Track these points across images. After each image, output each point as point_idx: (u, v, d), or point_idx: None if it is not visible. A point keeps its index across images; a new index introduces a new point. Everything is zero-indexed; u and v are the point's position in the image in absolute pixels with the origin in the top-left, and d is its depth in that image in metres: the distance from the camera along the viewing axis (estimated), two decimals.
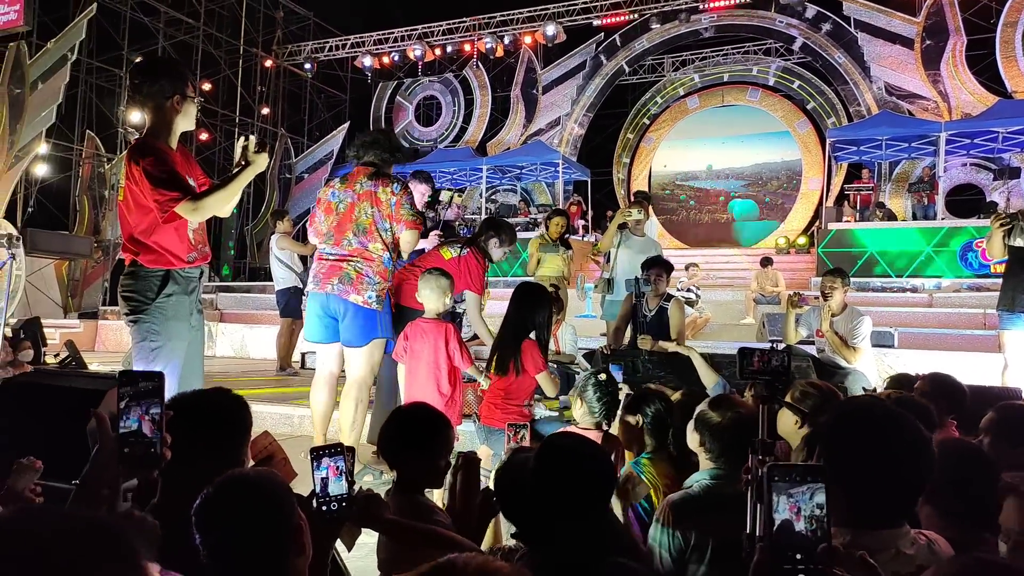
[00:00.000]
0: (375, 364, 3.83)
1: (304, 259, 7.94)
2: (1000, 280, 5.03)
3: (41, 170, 13.32)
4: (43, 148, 12.52)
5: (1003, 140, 12.58)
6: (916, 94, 13.97)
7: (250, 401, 1.75)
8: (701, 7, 14.96)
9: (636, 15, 15.72)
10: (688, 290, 9.80)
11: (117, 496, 1.29)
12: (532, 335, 3.49)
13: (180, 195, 2.58)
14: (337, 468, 1.57)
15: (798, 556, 0.92)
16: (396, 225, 3.81)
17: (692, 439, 2.36)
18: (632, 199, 8.26)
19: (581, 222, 16.04)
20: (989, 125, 12.37)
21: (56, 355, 8.19)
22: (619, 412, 2.86)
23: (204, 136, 16.02)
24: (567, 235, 6.59)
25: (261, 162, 2.72)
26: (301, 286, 7.86)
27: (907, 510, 1.40)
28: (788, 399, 2.48)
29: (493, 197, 17.76)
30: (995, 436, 2.18)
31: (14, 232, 6.61)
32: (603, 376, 2.97)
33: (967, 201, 14.03)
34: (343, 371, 3.92)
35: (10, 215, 12.29)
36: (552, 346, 5.18)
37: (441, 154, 17.20)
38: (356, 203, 3.82)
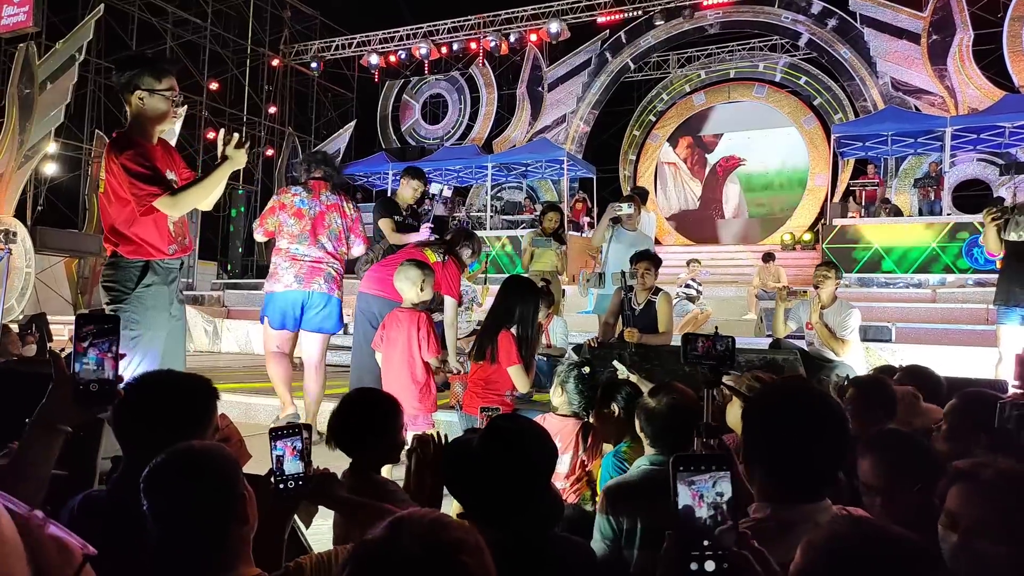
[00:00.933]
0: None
1: None
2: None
3: (50, 169, 13.50)
4: (52, 147, 12.70)
5: (1010, 135, 12.48)
6: (923, 89, 13.88)
7: (254, 395, 1.78)
8: (703, 3, 14.92)
9: (640, 12, 15.70)
10: (687, 285, 9.81)
11: (70, 434, 1.36)
12: (515, 328, 3.52)
13: (158, 190, 2.63)
14: (294, 448, 1.62)
15: (705, 543, 0.95)
16: (354, 237, 4.57)
17: (636, 424, 2.40)
18: (640, 194, 8.27)
19: (586, 219, 16.06)
20: (996, 120, 12.27)
21: (61, 350, 8.31)
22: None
23: (212, 135, 16.16)
24: (561, 230, 6.62)
25: (239, 158, 2.76)
26: None
27: (824, 485, 1.43)
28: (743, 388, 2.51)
29: (499, 195, 17.80)
30: (952, 422, 2.20)
31: (11, 228, 6.71)
32: (586, 369, 3.01)
33: (973, 196, 13.94)
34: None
35: (20, 213, 12.47)
36: (543, 339, 5.23)
37: (447, 152, 17.26)
38: (326, 212, 4.42)
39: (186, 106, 13.41)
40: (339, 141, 17.88)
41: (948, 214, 12.40)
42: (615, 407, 2.60)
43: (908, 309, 9.54)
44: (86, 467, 2.41)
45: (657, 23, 15.60)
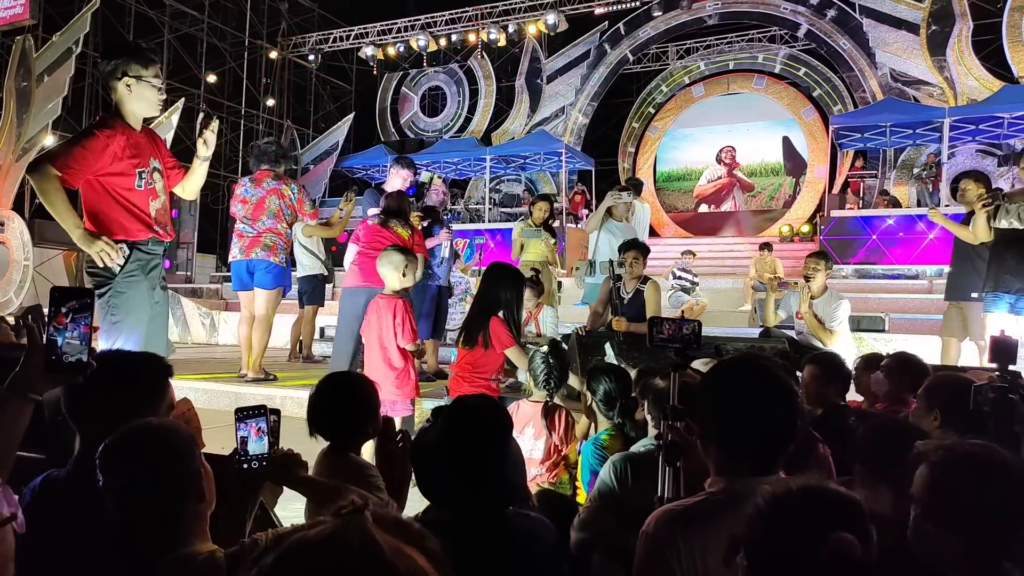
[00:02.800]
0: (273, 304, 5.66)
1: (328, 246, 8.06)
2: None
3: None
4: (50, 140, 12.69)
5: (1008, 126, 12.44)
6: (921, 80, 13.84)
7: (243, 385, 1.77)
8: None
9: (638, 2, 15.66)
10: (679, 277, 9.81)
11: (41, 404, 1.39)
12: (502, 313, 3.55)
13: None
14: (259, 428, 1.64)
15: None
16: (302, 216, 5.82)
17: (642, 408, 2.43)
18: (634, 185, 8.26)
19: (585, 211, 16.05)
20: (994, 111, 12.22)
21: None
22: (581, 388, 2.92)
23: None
24: (552, 221, 6.63)
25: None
26: (327, 273, 7.99)
27: (776, 458, 1.44)
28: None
29: (497, 187, 17.80)
30: (920, 402, 2.22)
31: (2, 219, 6.75)
32: (545, 348, 3.03)
33: None
34: None
35: (18, 206, 12.49)
36: (533, 328, 5.25)
37: (446, 144, 17.25)
38: (266, 196, 5.56)
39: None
40: (337, 134, 17.87)
41: (946, 205, 12.38)
42: (589, 396, 2.61)
43: (904, 300, 9.54)
44: (63, 450, 2.44)
45: (655, 14, 15.56)
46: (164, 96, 2.84)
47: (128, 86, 2.77)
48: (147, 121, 2.93)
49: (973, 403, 2.06)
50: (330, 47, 18.40)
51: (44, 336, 1.35)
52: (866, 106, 13.89)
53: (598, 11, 15.86)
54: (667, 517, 1.40)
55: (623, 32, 16.46)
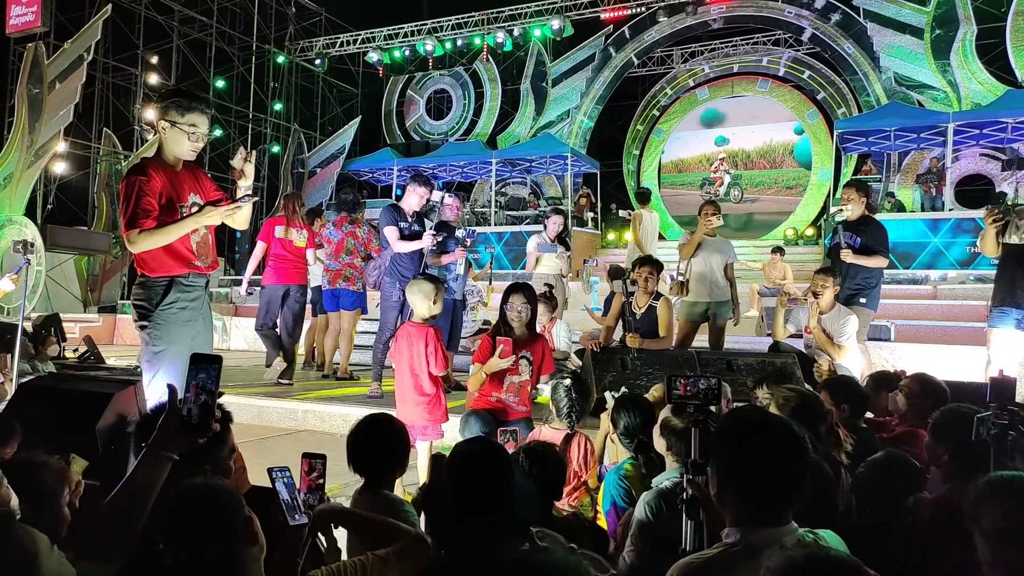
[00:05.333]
0: (353, 321, 7.09)
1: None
2: None
3: (60, 168, 13.66)
4: (61, 146, 12.84)
5: (1012, 130, 12.52)
6: (925, 84, 13.91)
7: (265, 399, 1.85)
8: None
9: (643, 8, 15.74)
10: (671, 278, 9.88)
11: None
12: None
13: (128, 224, 2.78)
14: (288, 487, 1.76)
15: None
16: (371, 251, 6.89)
17: (659, 444, 2.51)
18: (641, 195, 8.35)
19: (590, 214, 16.17)
20: (998, 115, 12.30)
21: (75, 349, 8.47)
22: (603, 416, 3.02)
23: (218, 132, 16.28)
24: (565, 234, 6.74)
25: (214, 218, 2.89)
26: None
27: (787, 509, 1.55)
28: (773, 406, 2.62)
29: (503, 190, 17.90)
30: (930, 438, 2.33)
31: (29, 239, 6.89)
32: (567, 381, 3.13)
33: (976, 192, 13.99)
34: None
35: (30, 212, 12.63)
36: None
37: (451, 147, 17.36)
38: (344, 238, 6.99)
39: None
40: (344, 137, 17.99)
41: (950, 209, 12.47)
42: (613, 425, 2.70)
43: (908, 306, 9.58)
44: (118, 478, 2.57)
45: (660, 19, 15.63)
46: (201, 143, 2.94)
47: (164, 129, 2.89)
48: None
49: (975, 433, 2.17)
50: (337, 51, 18.51)
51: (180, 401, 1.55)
52: (871, 110, 13.97)
53: (603, 16, 15.91)
54: (686, 570, 1.51)
55: (628, 36, 16.55)
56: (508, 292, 3.72)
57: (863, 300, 5.48)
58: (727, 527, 1.57)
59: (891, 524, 2.41)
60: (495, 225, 15.51)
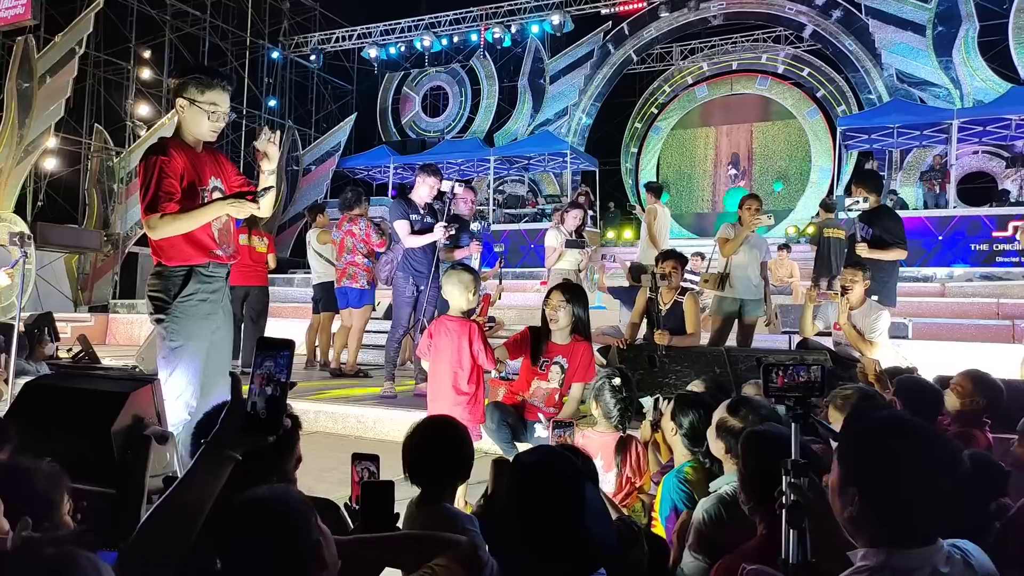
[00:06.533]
0: (362, 317, 6.98)
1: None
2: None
3: (50, 164, 13.35)
4: (52, 142, 12.54)
5: (1016, 127, 12.47)
6: (927, 81, 13.83)
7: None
8: None
9: (645, 3, 15.59)
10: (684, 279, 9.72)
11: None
12: None
13: (148, 207, 2.57)
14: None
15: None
16: (371, 246, 6.75)
17: (716, 446, 2.33)
18: (655, 188, 8.15)
19: (588, 212, 15.99)
20: (1002, 112, 12.24)
21: (68, 349, 8.21)
22: (652, 415, 2.84)
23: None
24: (583, 227, 6.59)
25: (242, 211, 2.69)
26: None
27: (941, 528, 1.37)
28: (832, 409, 2.45)
29: (500, 188, 17.72)
30: None
31: (26, 231, 6.65)
32: (617, 380, 2.93)
33: (979, 189, 13.92)
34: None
35: (20, 209, 12.33)
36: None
37: (448, 145, 17.17)
38: (344, 237, 6.86)
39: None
40: (339, 134, 17.73)
41: (954, 207, 12.39)
42: (674, 427, 2.52)
43: (918, 304, 9.49)
44: (134, 486, 2.35)
45: (661, 14, 15.49)
46: (222, 123, 2.73)
47: (182, 107, 2.69)
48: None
49: None
50: (332, 47, 18.26)
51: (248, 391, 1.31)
52: (873, 108, 13.88)
53: (605, 12, 15.77)
54: None
55: (627, 32, 16.40)
56: (549, 291, 3.52)
57: (874, 298, 5.33)
58: (862, 545, 1.37)
59: (975, 531, 2.25)
60: (493, 223, 15.32)
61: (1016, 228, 10.43)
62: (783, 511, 1.62)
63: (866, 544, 1.36)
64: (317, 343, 7.95)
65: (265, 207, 2.77)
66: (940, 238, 11.59)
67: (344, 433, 4.94)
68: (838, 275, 9.09)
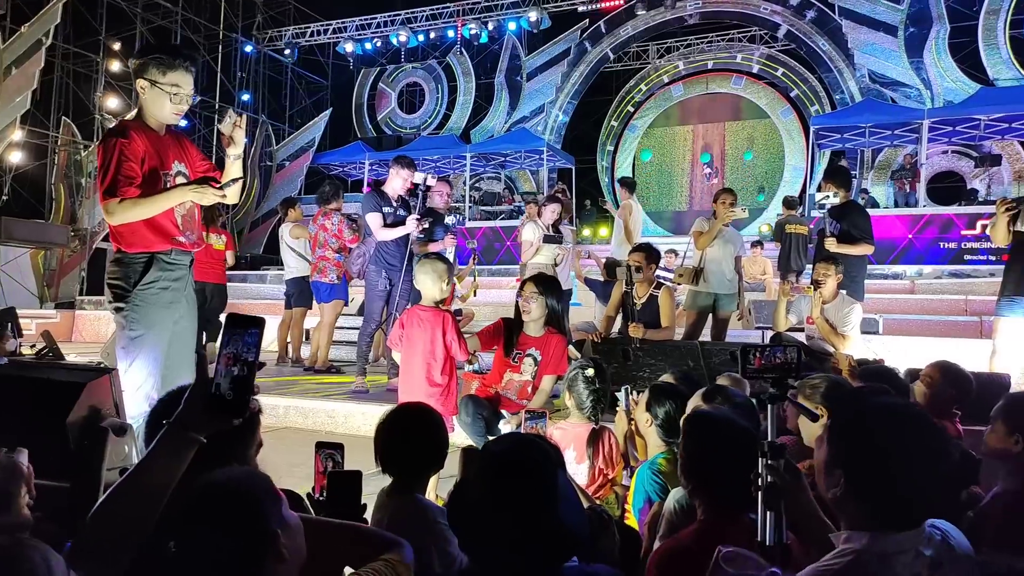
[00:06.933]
0: (330, 313, 6.95)
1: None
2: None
3: (16, 157, 13.02)
4: (18, 135, 12.23)
5: (985, 127, 12.65)
6: (899, 82, 14.00)
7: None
8: None
9: (622, 1, 15.60)
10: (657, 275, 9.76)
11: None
12: None
13: (107, 191, 2.47)
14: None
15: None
16: (343, 242, 6.72)
17: None
18: (629, 183, 8.16)
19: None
20: (971, 112, 12.43)
21: (32, 346, 8.01)
22: (624, 406, 2.80)
23: (183, 123, 15.76)
24: (560, 223, 6.56)
25: (206, 198, 2.61)
26: None
27: (927, 514, 1.35)
28: (801, 397, 2.43)
29: (477, 185, 17.65)
30: (998, 425, 2.15)
31: None
32: (590, 371, 2.89)
33: (948, 188, 14.13)
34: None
35: None
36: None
37: (425, 141, 17.06)
38: (317, 231, 6.82)
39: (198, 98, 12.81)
40: (314, 130, 17.56)
41: (924, 205, 12.56)
42: (650, 418, 2.48)
43: (888, 300, 9.62)
44: (90, 479, 2.26)
45: (638, 12, 15.52)
46: (186, 106, 2.64)
47: (143, 89, 2.60)
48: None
49: None
50: (306, 41, 18.06)
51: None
52: (846, 107, 14.03)
53: (582, 9, 15.77)
54: None
55: (604, 30, 16.41)
56: (523, 282, 3.47)
57: (843, 292, 5.36)
58: (844, 528, 1.35)
59: (947, 520, 2.24)
60: (469, 220, 15.25)
61: (984, 227, 10.63)
62: (759, 493, 1.59)
63: (850, 526, 1.34)
64: (289, 339, 7.84)
65: (231, 195, 2.69)
66: (910, 236, 11.73)
67: (314, 428, 4.86)
68: (800, 270, 9.27)
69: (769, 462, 1.60)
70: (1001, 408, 2.19)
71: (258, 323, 1.25)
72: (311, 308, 7.85)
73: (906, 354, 6.63)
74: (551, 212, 6.27)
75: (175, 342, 2.63)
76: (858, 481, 1.32)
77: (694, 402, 2.30)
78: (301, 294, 7.59)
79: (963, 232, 11.41)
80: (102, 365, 5.56)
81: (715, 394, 2.25)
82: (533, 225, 6.35)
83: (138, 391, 2.55)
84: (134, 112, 2.70)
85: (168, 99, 2.59)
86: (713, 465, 1.73)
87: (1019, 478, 2.07)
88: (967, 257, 11.32)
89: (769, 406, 1.68)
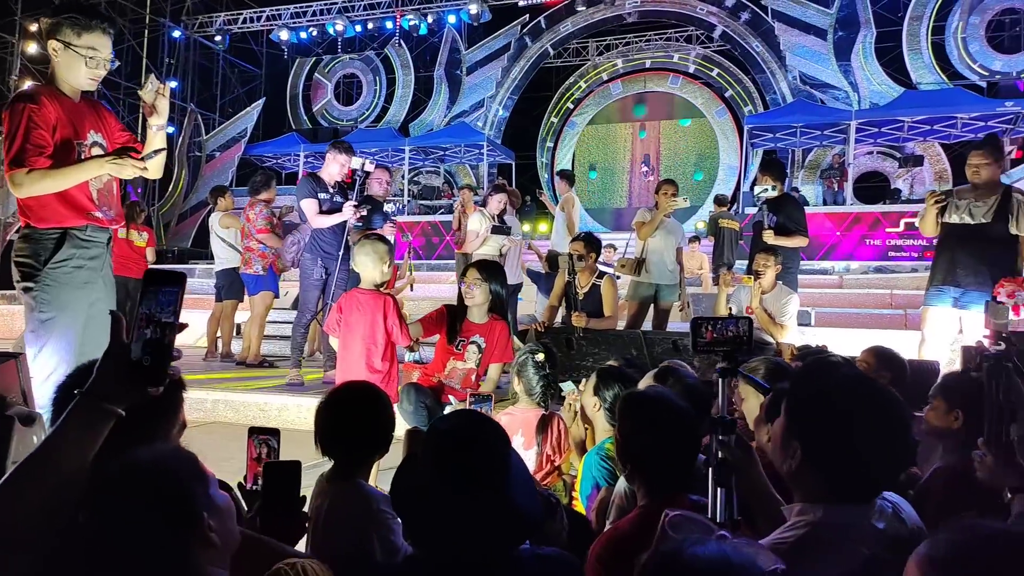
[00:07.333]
0: (259, 305, 6.72)
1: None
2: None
3: None
4: None
5: (908, 129, 13.17)
6: (828, 84, 14.44)
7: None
8: None
9: None
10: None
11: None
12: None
13: (13, 161, 2.28)
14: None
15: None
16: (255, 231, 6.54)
17: None
18: (569, 176, 8.18)
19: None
20: (895, 114, 12.91)
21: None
22: (573, 393, 2.74)
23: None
24: (505, 213, 6.47)
25: (125, 171, 2.42)
26: None
27: (886, 485, 1.32)
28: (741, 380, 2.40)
29: (416, 179, 17.43)
30: (938, 403, 2.17)
31: None
32: (540, 356, 2.83)
33: (873, 188, 14.65)
34: None
35: None
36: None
37: (362, 134, 16.73)
38: (244, 223, 6.57)
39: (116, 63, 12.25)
40: (246, 120, 17.03)
41: (851, 204, 12.99)
42: (597, 401, 2.42)
43: (818, 295, 9.90)
44: None
45: (578, 8, 15.58)
46: (103, 71, 2.44)
47: (56, 51, 2.39)
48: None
49: (972, 366, 2.01)
50: (239, 28, 17.47)
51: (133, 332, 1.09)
52: (778, 107, 14.39)
53: (522, 3, 15.72)
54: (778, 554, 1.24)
55: (544, 26, 16.42)
56: (466, 268, 3.38)
57: (780, 283, 5.46)
58: (798, 501, 1.30)
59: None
60: (408, 215, 15.04)
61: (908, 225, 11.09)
62: (710, 469, 1.54)
63: (803, 499, 1.30)
64: (219, 333, 7.54)
65: (154, 168, 2.51)
66: (838, 233, 12.11)
67: (245, 423, 4.61)
68: (731, 264, 9.47)
69: (720, 438, 1.56)
70: (939, 387, 2.22)
71: (176, 279, 1.12)
72: (243, 301, 7.56)
73: (836, 346, 6.82)
74: (497, 202, 6.19)
75: (91, 326, 2.43)
76: (816, 452, 1.29)
77: (645, 383, 2.25)
78: (231, 286, 7.29)
79: (888, 230, 11.86)
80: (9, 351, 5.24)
81: (667, 375, 2.21)
82: (480, 215, 6.25)
83: (48, 379, 2.34)
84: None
85: (83, 63, 2.39)
86: (650, 446, 1.67)
87: (959, 454, 2.09)
88: (891, 254, 11.77)
89: (721, 380, 1.63)
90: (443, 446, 1.31)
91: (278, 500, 1.50)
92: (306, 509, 1.66)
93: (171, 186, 16.39)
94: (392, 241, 5.65)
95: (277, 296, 6.95)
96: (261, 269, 6.61)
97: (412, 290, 7.51)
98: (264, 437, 1.66)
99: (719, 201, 10.40)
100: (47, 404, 2.30)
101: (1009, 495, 1.74)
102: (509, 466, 1.31)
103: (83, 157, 2.39)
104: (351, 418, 1.68)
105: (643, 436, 1.71)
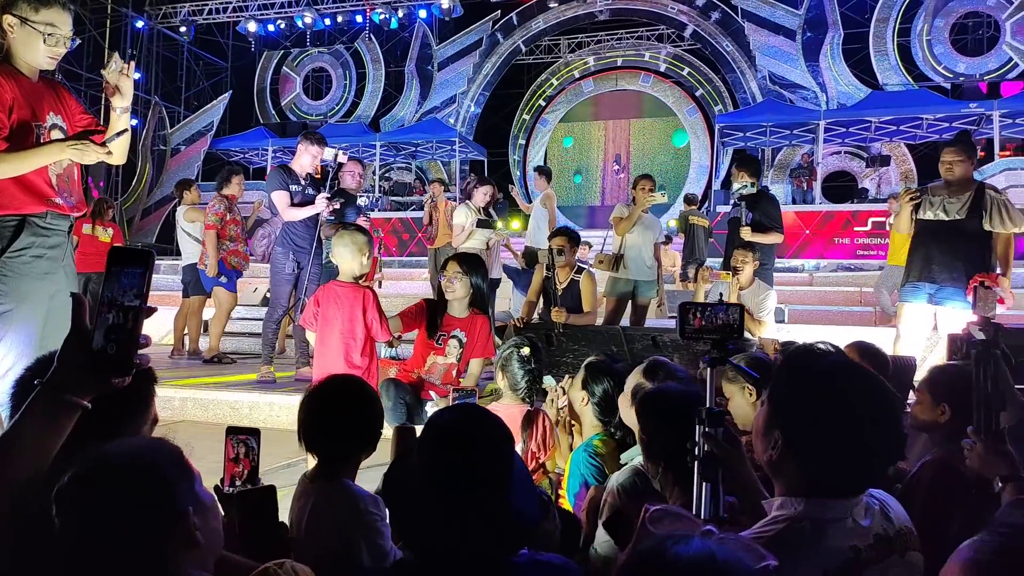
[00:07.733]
0: (221, 301, 6.62)
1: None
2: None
3: None
4: None
5: (875, 129, 13.37)
6: (797, 84, 14.60)
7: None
8: None
9: None
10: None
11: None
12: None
13: None
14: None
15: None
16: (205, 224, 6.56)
17: (629, 415, 2.18)
18: (547, 172, 8.13)
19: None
20: (862, 114, 13.10)
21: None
22: (559, 388, 2.67)
23: None
24: (492, 206, 6.39)
25: (87, 156, 2.30)
26: None
27: (873, 480, 1.26)
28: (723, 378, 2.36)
29: (387, 175, 17.24)
30: (923, 396, 2.15)
31: None
32: (526, 350, 2.76)
33: (841, 187, 14.85)
34: None
35: None
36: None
37: (332, 129, 16.47)
38: (205, 217, 6.54)
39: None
40: (212, 113, 16.68)
41: (820, 203, 13.14)
42: (586, 396, 2.36)
43: (789, 292, 9.98)
44: None
45: (550, 5, 15.54)
46: (62, 49, 2.31)
47: (11, 27, 2.25)
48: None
49: (958, 355, 1.99)
50: (204, 19, 17.11)
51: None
52: (748, 107, 14.51)
53: None
54: None
55: (515, 22, 16.35)
56: (446, 261, 3.29)
57: (758, 279, 5.45)
58: (779, 494, 1.24)
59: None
60: (380, 211, 14.87)
61: (875, 224, 11.25)
62: (695, 463, 1.48)
63: (785, 492, 1.24)
64: (186, 330, 7.33)
65: (118, 152, 2.38)
66: (808, 232, 12.23)
67: (215, 422, 4.50)
68: (703, 261, 9.52)
69: (707, 430, 1.49)
70: (925, 381, 2.19)
71: (142, 258, 1.02)
72: (210, 296, 7.38)
73: (810, 341, 6.90)
74: (483, 194, 6.07)
75: (52, 319, 2.30)
76: (798, 441, 1.22)
77: (634, 378, 2.19)
78: (198, 282, 7.09)
79: (855, 228, 12.02)
80: None
81: (657, 369, 2.14)
82: (466, 208, 6.14)
83: (6, 375, 2.21)
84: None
85: (41, 40, 2.26)
86: (677, 443, 1.59)
87: (947, 447, 2.07)
88: (859, 252, 11.93)
89: (709, 370, 1.57)
90: (443, 442, 1.23)
91: (255, 531, 1.41)
92: (285, 518, 1.57)
93: (135, 180, 15.99)
94: None
95: (230, 291, 6.73)
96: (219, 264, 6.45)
97: (380, 287, 7.38)
98: (243, 437, 1.56)
99: (689, 200, 10.55)
100: (5, 400, 2.18)
101: (1000, 485, 1.71)
102: (512, 464, 1.23)
103: (42, 140, 2.25)
104: (337, 412, 1.59)
105: (670, 433, 1.64)
